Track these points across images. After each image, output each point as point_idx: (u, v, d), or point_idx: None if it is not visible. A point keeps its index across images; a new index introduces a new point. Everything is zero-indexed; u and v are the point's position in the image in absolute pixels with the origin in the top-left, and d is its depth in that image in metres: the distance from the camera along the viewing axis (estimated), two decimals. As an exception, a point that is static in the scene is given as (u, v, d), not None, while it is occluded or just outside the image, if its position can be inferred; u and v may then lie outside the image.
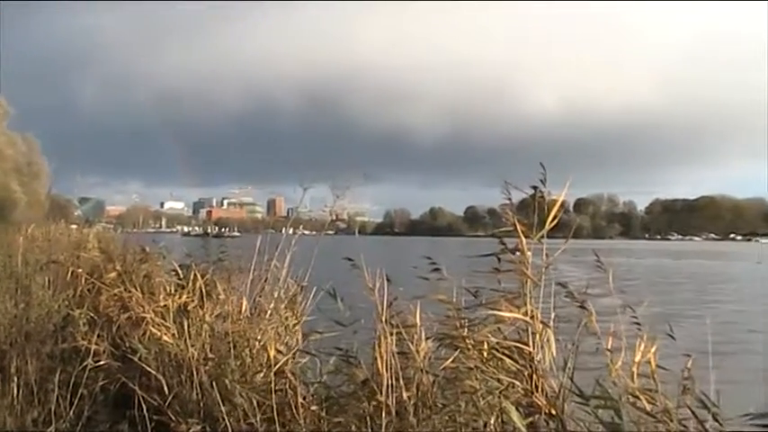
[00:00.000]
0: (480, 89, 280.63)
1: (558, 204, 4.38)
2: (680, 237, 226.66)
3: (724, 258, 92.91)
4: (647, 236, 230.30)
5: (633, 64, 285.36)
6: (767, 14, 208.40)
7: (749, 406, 3.94)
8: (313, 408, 5.62)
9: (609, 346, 4.71)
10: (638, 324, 4.70)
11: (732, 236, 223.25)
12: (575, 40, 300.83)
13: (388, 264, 5.94)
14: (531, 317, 4.35)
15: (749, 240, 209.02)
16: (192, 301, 7.58)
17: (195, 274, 7.88)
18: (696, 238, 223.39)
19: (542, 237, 4.41)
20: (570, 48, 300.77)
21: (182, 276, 8.37)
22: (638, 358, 4.55)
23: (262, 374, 6.19)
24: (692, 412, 4.21)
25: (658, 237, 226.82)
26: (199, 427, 5.96)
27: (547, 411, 4.26)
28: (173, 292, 7.92)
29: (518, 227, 4.38)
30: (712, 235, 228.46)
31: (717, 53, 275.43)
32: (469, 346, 4.75)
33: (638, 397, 4.37)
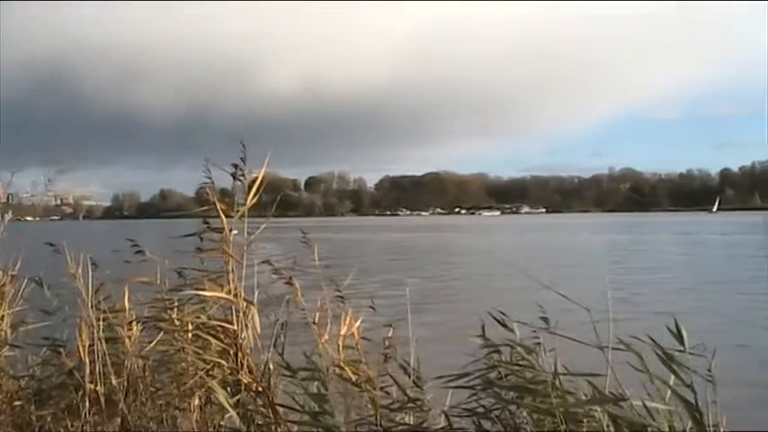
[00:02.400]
0: (218, 68, 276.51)
1: (258, 182, 4.38)
2: (409, 212, 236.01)
3: (452, 231, 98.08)
4: (377, 212, 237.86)
5: (366, 44, 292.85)
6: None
7: (450, 368, 4.16)
8: (17, 402, 5.31)
9: (316, 320, 4.81)
10: (341, 298, 4.83)
11: (457, 210, 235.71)
12: (310, 18, 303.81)
13: (100, 247, 5.73)
14: (235, 295, 4.34)
15: (473, 214, 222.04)
16: None
17: None
18: (424, 213, 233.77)
19: (243, 215, 4.39)
20: (307, 26, 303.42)
21: None
22: (343, 331, 4.68)
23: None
24: (393, 379, 4.40)
25: (388, 213, 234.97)
26: None
27: (254, 388, 4.28)
28: None
29: (218, 206, 4.34)
30: (439, 209, 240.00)
31: (443, 37, 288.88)
32: (176, 328, 4.68)
33: (343, 368, 4.50)
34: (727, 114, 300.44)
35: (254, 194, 4.39)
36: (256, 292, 4.60)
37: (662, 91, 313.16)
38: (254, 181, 4.40)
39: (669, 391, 3.39)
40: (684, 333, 3.43)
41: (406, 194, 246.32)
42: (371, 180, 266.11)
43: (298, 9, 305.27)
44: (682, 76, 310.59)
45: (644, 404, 3.37)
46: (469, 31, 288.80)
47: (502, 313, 4.05)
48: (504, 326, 4.01)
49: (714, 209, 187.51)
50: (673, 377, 3.39)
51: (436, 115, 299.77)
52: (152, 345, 4.83)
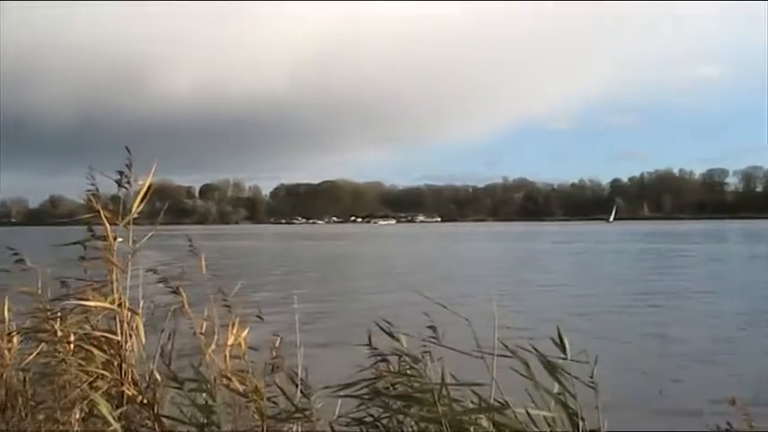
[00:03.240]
0: (113, 72, 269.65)
1: (144, 189, 4.30)
2: (304, 220, 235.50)
3: (346, 239, 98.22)
4: (272, 220, 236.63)
5: (266, 51, 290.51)
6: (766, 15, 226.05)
7: (339, 378, 4.16)
8: None
9: (203, 331, 4.74)
10: (228, 307, 4.77)
11: (353, 218, 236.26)
12: (210, 20, 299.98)
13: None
14: (119, 305, 4.25)
15: (368, 222, 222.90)
16: None
17: None
18: (320, 222, 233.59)
19: (129, 223, 4.29)
20: (206, 28, 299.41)
21: None
22: (230, 341, 4.63)
23: None
24: (281, 389, 4.37)
25: (284, 221, 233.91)
26: None
27: (138, 400, 4.20)
28: None
29: (102, 214, 4.23)
30: (334, 218, 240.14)
31: (341, 49, 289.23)
32: (58, 339, 4.55)
33: (230, 378, 4.44)
34: (619, 125, 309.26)
35: (141, 202, 4.30)
36: (142, 302, 4.51)
37: (556, 102, 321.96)
38: (148, 188, 4.31)
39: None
40: (567, 341, 3.52)
41: (302, 202, 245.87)
42: (268, 188, 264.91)
43: (196, 10, 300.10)
44: (575, 88, 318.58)
45: (527, 411, 3.43)
46: (368, 37, 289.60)
47: (388, 323, 4.07)
48: (391, 335, 4.03)
49: (611, 218, 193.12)
50: (556, 384, 3.47)
51: (333, 122, 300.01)
52: (32, 357, 4.68)
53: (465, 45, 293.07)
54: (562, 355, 3.53)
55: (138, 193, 4.29)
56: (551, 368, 3.46)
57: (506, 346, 3.66)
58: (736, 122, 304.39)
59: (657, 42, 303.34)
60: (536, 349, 3.53)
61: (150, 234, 4.45)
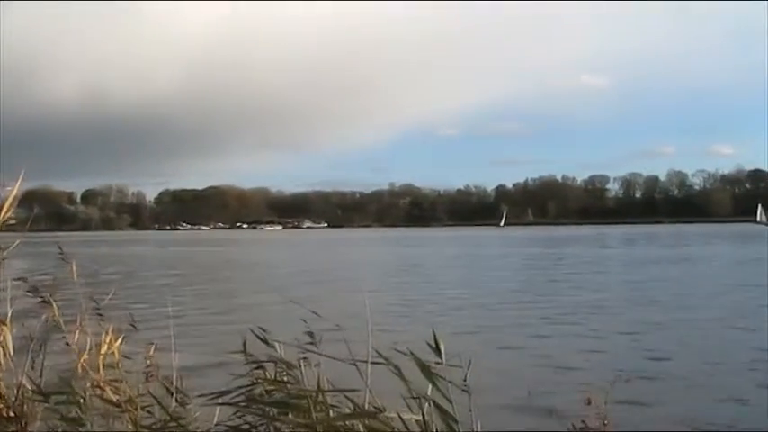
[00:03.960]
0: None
1: (12, 196, 4.17)
2: (189, 226, 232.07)
3: (230, 245, 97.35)
4: (156, 226, 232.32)
5: (154, 54, 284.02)
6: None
7: (217, 386, 4.12)
8: None
9: (75, 341, 4.63)
10: (101, 316, 4.68)
11: (239, 224, 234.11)
12: (94, 25, 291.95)
13: None
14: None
15: (254, 228, 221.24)
16: None
17: None
18: (205, 228, 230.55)
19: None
20: (90, 33, 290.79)
21: None
22: (103, 350, 4.54)
23: None
24: (155, 398, 4.31)
25: (168, 227, 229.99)
26: None
27: (6, 414, 4.07)
28: None
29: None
30: (220, 224, 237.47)
31: (230, 52, 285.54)
32: None
33: (103, 388, 4.36)
34: (505, 132, 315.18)
35: (10, 208, 4.17)
36: (10, 311, 4.37)
37: (445, 109, 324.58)
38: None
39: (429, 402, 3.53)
40: (442, 345, 3.59)
41: (187, 208, 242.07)
42: (153, 194, 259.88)
43: (83, 10, 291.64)
44: (464, 95, 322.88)
45: (399, 416, 3.48)
46: (259, 40, 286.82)
47: (263, 330, 4.07)
48: (266, 342, 4.03)
49: (502, 223, 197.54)
50: (431, 388, 3.54)
51: (221, 128, 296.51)
52: None
53: (354, 50, 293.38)
54: (438, 360, 3.60)
55: (6, 199, 4.16)
56: (426, 372, 3.52)
57: (379, 353, 3.71)
58: (618, 130, 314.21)
59: (543, 50, 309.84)
60: (412, 353, 3.58)
61: (18, 242, 4.32)
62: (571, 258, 57.74)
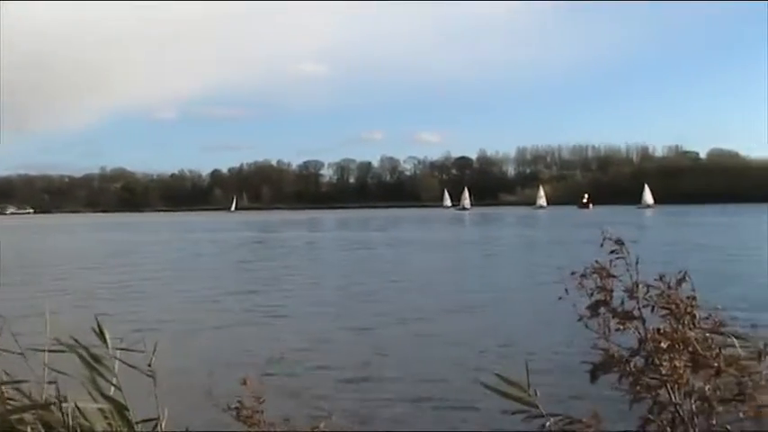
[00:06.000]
0: None
1: None
2: None
3: None
4: None
5: None
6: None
7: None
8: None
9: None
10: None
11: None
12: None
13: None
14: None
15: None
16: None
17: None
18: None
19: None
20: None
21: None
22: None
23: None
24: None
25: None
26: None
27: None
28: None
29: None
30: None
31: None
32: None
33: None
34: (223, 117, 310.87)
35: None
36: None
37: (162, 92, 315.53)
38: None
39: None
40: (107, 333, 3.59)
41: None
42: None
43: None
44: (182, 78, 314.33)
45: (76, 406, 3.45)
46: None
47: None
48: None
49: (233, 208, 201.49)
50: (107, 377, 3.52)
51: None
52: None
53: (66, 27, 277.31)
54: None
55: None
56: (96, 360, 3.51)
57: (60, 341, 3.64)
58: (334, 117, 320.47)
59: (265, 39, 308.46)
60: (78, 341, 3.56)
61: None
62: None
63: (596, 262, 3.13)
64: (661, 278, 3.13)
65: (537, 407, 3.14)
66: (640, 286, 3.10)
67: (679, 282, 3.11)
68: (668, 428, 3.05)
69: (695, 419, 3.04)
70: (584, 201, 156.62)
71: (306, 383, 13.48)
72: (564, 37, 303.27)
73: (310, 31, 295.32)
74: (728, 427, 2.98)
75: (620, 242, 3.17)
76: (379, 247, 53.10)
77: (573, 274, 3.19)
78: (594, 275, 3.12)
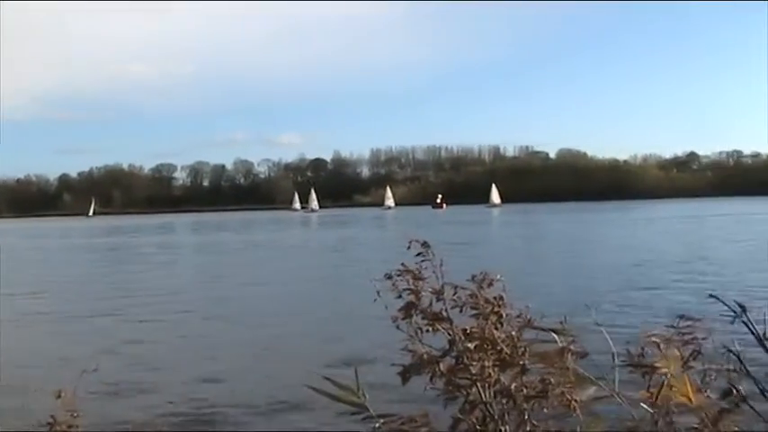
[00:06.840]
0: None
1: None
2: None
3: None
4: None
5: None
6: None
7: None
8: None
9: None
10: None
11: None
12: None
13: None
14: None
15: None
16: None
17: None
18: None
19: None
20: None
21: None
22: None
23: None
24: None
25: None
26: None
27: None
28: None
29: None
30: None
31: None
32: None
33: None
34: (70, 120, 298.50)
35: None
36: None
37: (6, 91, 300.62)
38: None
39: None
40: None
41: None
42: None
43: None
44: (26, 80, 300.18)
45: None
46: None
47: None
48: None
49: (90, 213, 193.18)
50: None
51: None
52: None
53: None
54: None
55: None
56: None
57: None
58: (189, 120, 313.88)
59: (115, 39, 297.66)
60: None
61: None
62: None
63: (402, 264, 3.13)
64: (473, 278, 3.16)
65: (367, 409, 3.13)
66: (447, 288, 3.12)
67: (488, 282, 3.15)
68: (478, 427, 3.09)
69: (506, 417, 3.08)
70: (438, 201, 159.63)
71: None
72: (420, 39, 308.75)
73: (139, 33, 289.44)
74: (535, 422, 3.03)
75: (426, 245, 3.18)
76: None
77: (386, 276, 3.18)
78: (402, 277, 3.13)
